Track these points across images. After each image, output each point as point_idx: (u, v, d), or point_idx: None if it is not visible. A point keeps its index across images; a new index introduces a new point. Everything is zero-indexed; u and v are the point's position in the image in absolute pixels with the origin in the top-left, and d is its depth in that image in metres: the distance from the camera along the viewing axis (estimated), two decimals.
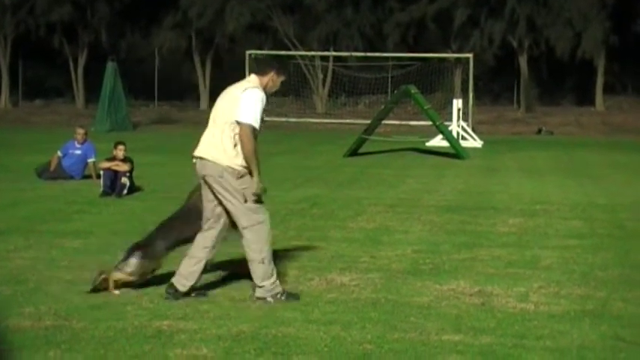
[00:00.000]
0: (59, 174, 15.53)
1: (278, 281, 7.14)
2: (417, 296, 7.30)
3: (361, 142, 22.70)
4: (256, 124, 6.93)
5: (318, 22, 44.54)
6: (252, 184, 6.95)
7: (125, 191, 13.56)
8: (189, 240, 7.28)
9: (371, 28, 44.77)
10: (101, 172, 13.90)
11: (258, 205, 7.04)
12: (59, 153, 15.82)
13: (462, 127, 26.56)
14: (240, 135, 6.89)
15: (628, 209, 12.75)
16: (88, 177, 15.51)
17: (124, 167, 13.77)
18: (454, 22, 43.15)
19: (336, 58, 43.46)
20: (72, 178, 15.52)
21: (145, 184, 14.65)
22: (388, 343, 5.99)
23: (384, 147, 24.23)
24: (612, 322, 6.57)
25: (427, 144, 25.65)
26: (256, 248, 7.00)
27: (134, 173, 13.98)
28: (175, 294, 7.09)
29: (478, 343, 5.99)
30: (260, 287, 7.04)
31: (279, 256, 8.13)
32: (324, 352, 5.80)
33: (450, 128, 25.29)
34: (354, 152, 22.29)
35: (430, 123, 24.64)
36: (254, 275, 7.06)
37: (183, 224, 7.44)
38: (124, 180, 13.64)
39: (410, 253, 9.11)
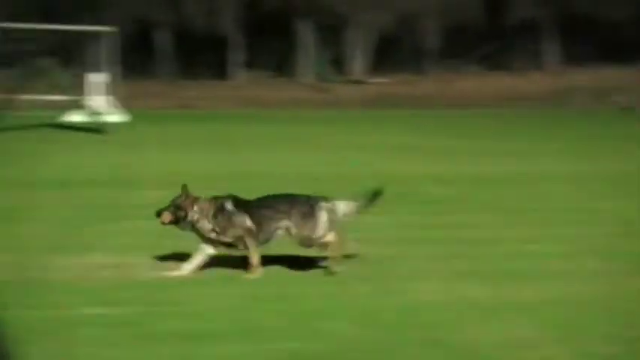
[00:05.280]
0: None
1: None
2: (61, 272, 7.23)
3: None
4: None
5: None
6: None
7: None
8: None
9: None
10: None
11: None
12: None
13: (105, 101, 26.11)
14: None
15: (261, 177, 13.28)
16: None
17: None
18: None
19: None
20: None
21: None
22: (29, 322, 5.87)
23: (18, 122, 23.26)
24: (245, 284, 6.86)
25: (66, 119, 25.06)
26: None
27: None
28: None
29: (117, 314, 6.09)
30: None
31: None
32: None
33: (90, 103, 24.93)
34: None
35: (67, 98, 24.25)
36: None
37: None
38: None
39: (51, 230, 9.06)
